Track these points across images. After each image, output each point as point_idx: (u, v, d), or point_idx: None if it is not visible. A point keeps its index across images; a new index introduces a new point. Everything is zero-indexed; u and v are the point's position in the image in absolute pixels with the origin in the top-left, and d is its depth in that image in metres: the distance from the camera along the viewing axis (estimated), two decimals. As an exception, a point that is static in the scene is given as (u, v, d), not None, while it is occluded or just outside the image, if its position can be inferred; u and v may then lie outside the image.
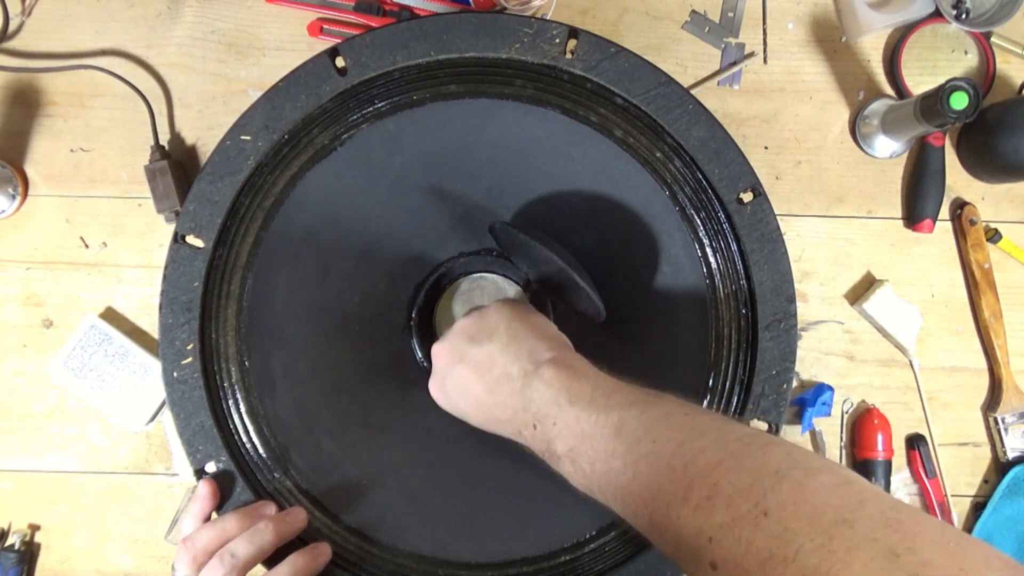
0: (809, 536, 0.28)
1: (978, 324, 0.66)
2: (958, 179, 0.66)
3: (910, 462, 0.65)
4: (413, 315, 0.58)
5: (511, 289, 0.60)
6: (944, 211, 0.65)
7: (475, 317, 0.51)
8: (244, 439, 0.54)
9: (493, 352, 0.47)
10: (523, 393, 0.44)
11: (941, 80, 0.56)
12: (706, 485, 0.33)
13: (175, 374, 0.53)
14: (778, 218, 0.54)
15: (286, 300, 0.55)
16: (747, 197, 0.54)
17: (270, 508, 0.51)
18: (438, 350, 0.51)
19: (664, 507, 0.35)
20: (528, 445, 0.45)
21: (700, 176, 0.55)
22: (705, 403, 0.55)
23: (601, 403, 0.41)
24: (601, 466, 0.39)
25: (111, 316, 0.64)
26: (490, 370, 0.46)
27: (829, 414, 0.64)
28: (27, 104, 0.64)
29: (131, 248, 0.64)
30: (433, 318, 0.60)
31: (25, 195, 0.64)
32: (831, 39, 0.66)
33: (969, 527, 0.65)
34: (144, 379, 0.62)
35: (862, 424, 0.64)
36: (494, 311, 0.50)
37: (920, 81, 0.65)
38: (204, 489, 0.51)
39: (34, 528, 0.63)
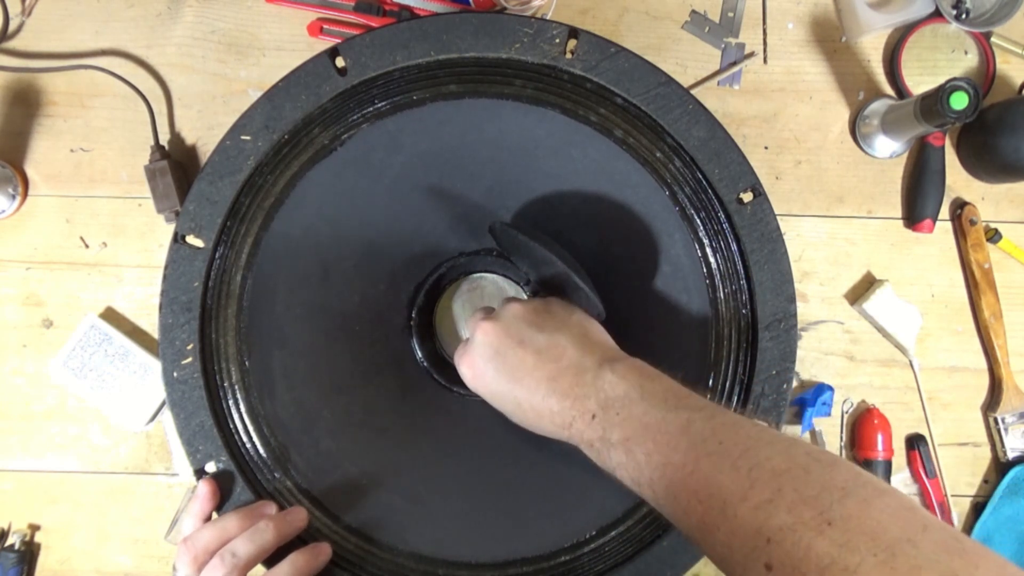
0: (872, 551, 0.28)
1: (978, 324, 0.66)
2: (958, 179, 0.66)
3: (910, 462, 0.65)
4: (413, 315, 0.58)
5: (511, 289, 0.60)
6: (944, 211, 0.65)
7: (536, 305, 0.50)
8: (244, 439, 0.54)
9: (562, 342, 0.46)
10: (593, 383, 0.44)
11: (941, 80, 0.56)
12: (769, 488, 0.33)
13: (175, 374, 0.53)
14: (778, 218, 0.54)
15: (286, 300, 0.55)
16: (747, 197, 0.54)
17: (270, 508, 0.51)
18: (488, 328, 0.48)
19: (720, 504, 0.34)
20: (573, 438, 0.44)
21: (700, 176, 0.55)
22: (705, 403, 0.55)
23: (672, 403, 0.41)
24: (659, 457, 0.39)
25: (111, 316, 0.64)
26: (557, 358, 0.46)
27: (829, 414, 0.64)
28: (27, 104, 0.64)
29: (131, 248, 0.64)
30: (433, 318, 0.60)
31: (25, 195, 0.64)
32: (831, 39, 0.66)
33: (969, 527, 0.65)
34: (144, 379, 0.62)
35: (862, 424, 0.64)
36: (558, 305, 0.50)
37: (920, 81, 0.65)
38: (204, 489, 0.51)
39: (34, 528, 0.63)
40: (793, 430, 0.64)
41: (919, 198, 0.64)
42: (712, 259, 0.55)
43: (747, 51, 0.66)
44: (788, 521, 0.31)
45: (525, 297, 0.60)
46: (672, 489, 0.38)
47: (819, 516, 0.31)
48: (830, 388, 0.64)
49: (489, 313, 0.51)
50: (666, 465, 0.38)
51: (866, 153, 0.66)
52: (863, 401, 0.65)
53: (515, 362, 0.47)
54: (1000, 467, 0.65)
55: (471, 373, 0.49)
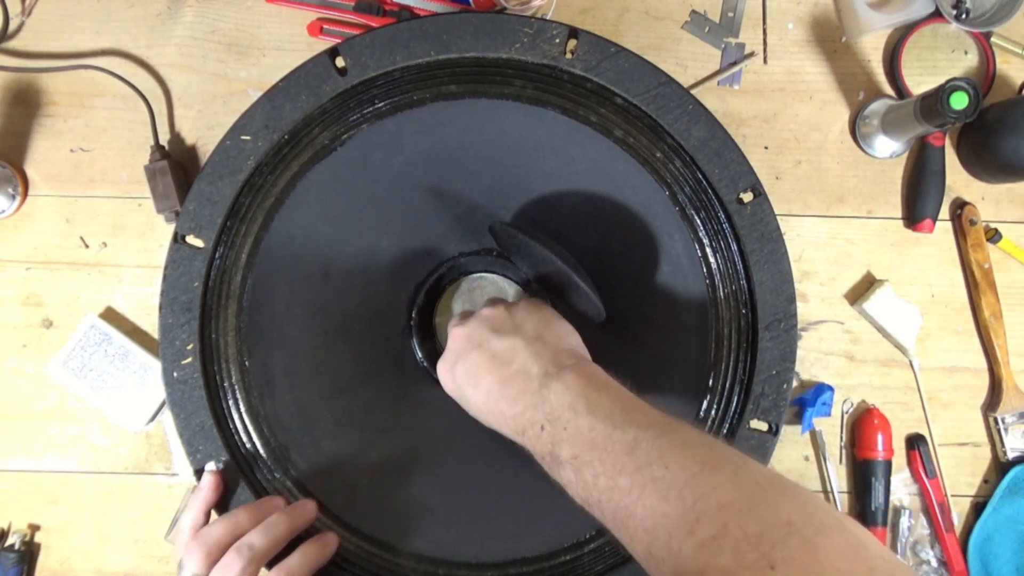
0: None
1: (978, 324, 0.66)
2: (958, 179, 0.66)
3: (910, 462, 0.65)
4: (413, 315, 0.58)
5: (511, 289, 0.60)
6: (944, 211, 0.65)
7: (502, 309, 0.50)
8: (244, 439, 0.54)
9: (515, 346, 0.46)
10: (539, 392, 0.43)
11: (941, 80, 0.56)
12: (714, 524, 0.32)
13: (175, 374, 0.53)
14: (778, 218, 0.54)
15: (286, 300, 0.55)
16: (747, 197, 0.54)
17: (279, 501, 0.51)
18: (457, 332, 0.50)
19: (666, 536, 0.34)
20: (527, 446, 0.44)
21: (700, 176, 0.55)
22: (705, 403, 0.55)
23: (619, 418, 0.40)
24: (605, 480, 0.38)
25: (111, 316, 0.64)
26: (508, 363, 0.46)
27: (829, 414, 0.64)
28: (27, 104, 0.64)
29: (131, 248, 0.64)
30: (433, 318, 0.60)
31: (25, 195, 0.64)
32: (831, 39, 0.66)
33: (969, 527, 0.65)
34: (144, 379, 0.62)
35: (862, 424, 0.64)
36: (524, 308, 0.50)
37: (920, 81, 0.65)
38: (209, 480, 0.51)
39: (34, 528, 0.63)
40: (793, 430, 0.64)
41: (919, 198, 0.64)
42: (712, 259, 0.55)
43: (747, 51, 0.66)
44: (731, 564, 0.31)
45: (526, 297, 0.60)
46: (619, 515, 0.37)
47: (762, 559, 0.30)
48: (830, 388, 0.64)
49: (465, 318, 0.52)
50: (613, 489, 0.37)
51: (866, 153, 0.66)
52: (863, 401, 0.65)
53: (473, 366, 0.47)
54: (1000, 467, 0.65)
55: (442, 378, 0.51)
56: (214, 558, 0.47)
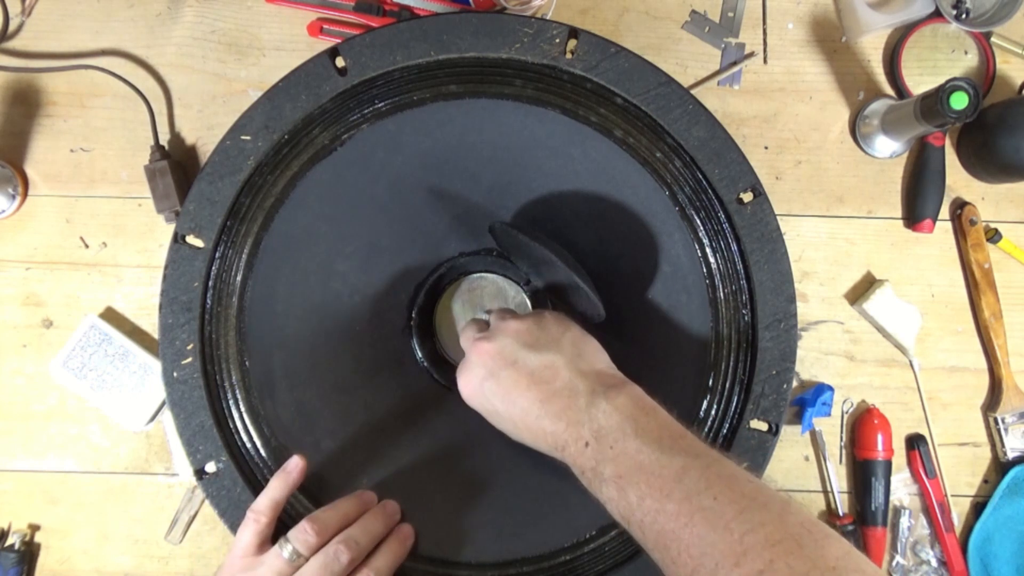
0: None
1: (978, 324, 0.66)
2: (958, 179, 0.66)
3: (910, 462, 0.65)
4: (413, 315, 0.58)
5: (511, 289, 0.60)
6: (944, 211, 0.65)
7: (531, 322, 0.49)
8: (244, 439, 0.54)
9: (556, 363, 0.46)
10: (586, 410, 0.43)
11: (941, 80, 0.56)
12: (761, 559, 0.33)
13: (175, 374, 0.53)
14: (778, 218, 0.54)
15: (286, 300, 0.55)
16: (747, 197, 0.54)
17: (372, 496, 0.53)
18: (484, 348, 0.48)
19: (712, 565, 0.35)
20: (567, 460, 0.44)
21: (700, 176, 0.55)
22: (705, 403, 0.55)
23: (667, 444, 0.41)
24: (652, 503, 0.39)
25: (111, 316, 0.64)
26: (550, 380, 0.45)
27: (829, 414, 0.64)
28: (27, 104, 0.64)
29: (131, 248, 0.64)
30: (433, 318, 0.60)
31: (25, 195, 0.64)
32: (831, 39, 0.66)
33: (969, 527, 0.65)
34: (144, 379, 0.62)
35: (862, 424, 0.64)
36: (553, 321, 0.49)
37: (920, 81, 0.65)
38: (298, 464, 0.51)
39: (34, 528, 0.63)
40: (793, 430, 0.64)
41: (919, 198, 0.64)
42: (712, 259, 0.55)
43: (747, 51, 0.66)
44: None
45: (526, 297, 0.60)
46: (663, 538, 0.38)
47: None
48: (830, 388, 0.64)
49: (483, 329, 0.51)
50: (659, 512, 0.38)
51: (866, 153, 0.66)
52: (863, 401, 0.65)
53: (509, 384, 0.46)
54: (1000, 467, 0.65)
55: (468, 393, 0.50)
56: (324, 540, 0.48)
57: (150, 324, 0.64)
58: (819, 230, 0.66)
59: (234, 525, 0.52)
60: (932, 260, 0.66)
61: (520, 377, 0.46)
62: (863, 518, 0.63)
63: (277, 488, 0.50)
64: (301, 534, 0.48)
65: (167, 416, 0.63)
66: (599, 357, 0.48)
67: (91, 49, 0.64)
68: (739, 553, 0.34)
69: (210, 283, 0.54)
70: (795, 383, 0.65)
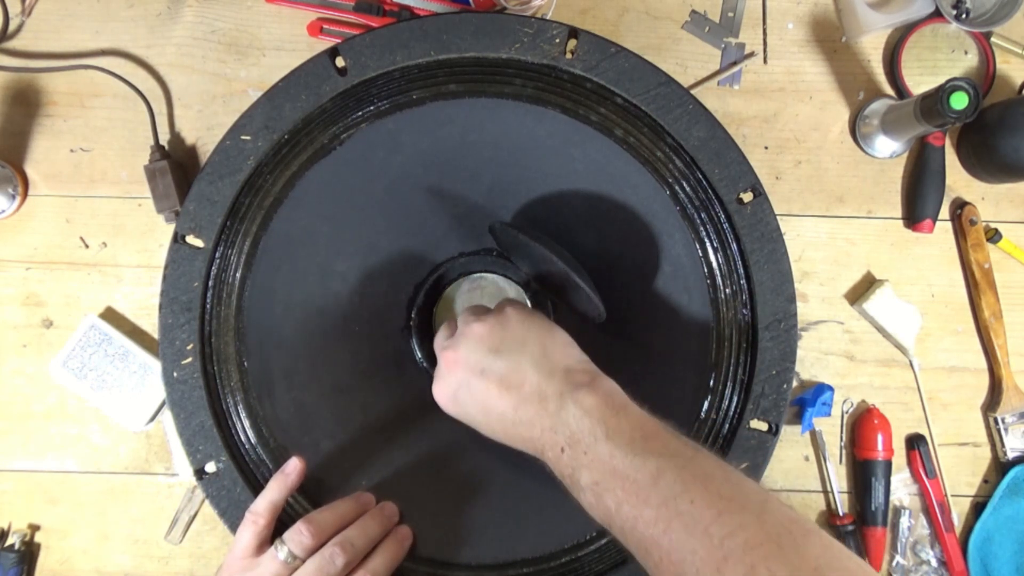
0: None
1: (978, 324, 0.66)
2: (958, 179, 0.66)
3: (910, 462, 0.65)
4: (413, 315, 0.58)
5: (511, 289, 0.60)
6: (944, 211, 0.65)
7: (493, 324, 0.47)
8: (244, 439, 0.54)
9: (522, 366, 0.45)
10: (557, 414, 0.42)
11: (941, 80, 0.56)
12: (743, 564, 0.33)
13: (175, 374, 0.53)
14: (778, 218, 0.54)
15: (286, 300, 0.55)
16: (747, 197, 0.54)
17: (371, 498, 0.53)
18: (449, 357, 0.48)
19: (694, 572, 0.35)
20: (550, 464, 0.44)
21: (700, 176, 0.55)
22: (705, 403, 0.55)
23: (639, 445, 0.40)
24: (629, 509, 0.38)
25: (111, 316, 0.64)
26: (519, 386, 0.44)
27: (829, 414, 0.64)
28: (27, 104, 0.64)
29: (131, 248, 0.64)
30: (433, 318, 0.60)
31: (25, 195, 0.64)
32: (831, 39, 0.66)
33: (969, 527, 0.65)
34: (144, 379, 0.62)
35: (862, 424, 0.64)
36: (516, 320, 0.48)
37: (920, 81, 0.65)
38: (296, 466, 0.51)
39: (34, 528, 0.63)
40: (793, 430, 0.64)
41: (919, 198, 0.64)
42: (712, 259, 0.55)
43: (747, 51, 0.66)
44: None
45: (525, 298, 0.60)
46: (643, 544, 0.38)
47: None
48: (830, 388, 0.64)
49: (451, 334, 0.50)
50: (637, 519, 0.38)
51: (866, 153, 0.66)
52: (863, 401, 0.65)
53: (481, 394, 0.46)
54: (1000, 467, 0.65)
55: (444, 404, 0.49)
56: (320, 542, 0.48)
57: (150, 324, 0.64)
58: (819, 230, 0.66)
59: (234, 525, 0.52)
60: (932, 260, 0.66)
61: (490, 386, 0.45)
62: (863, 518, 0.63)
63: (276, 490, 0.50)
64: (297, 536, 0.47)
65: (167, 416, 0.63)
66: (567, 352, 0.47)
67: (91, 49, 0.64)
68: (720, 559, 0.34)
69: (210, 283, 0.54)
70: (795, 383, 0.65)
